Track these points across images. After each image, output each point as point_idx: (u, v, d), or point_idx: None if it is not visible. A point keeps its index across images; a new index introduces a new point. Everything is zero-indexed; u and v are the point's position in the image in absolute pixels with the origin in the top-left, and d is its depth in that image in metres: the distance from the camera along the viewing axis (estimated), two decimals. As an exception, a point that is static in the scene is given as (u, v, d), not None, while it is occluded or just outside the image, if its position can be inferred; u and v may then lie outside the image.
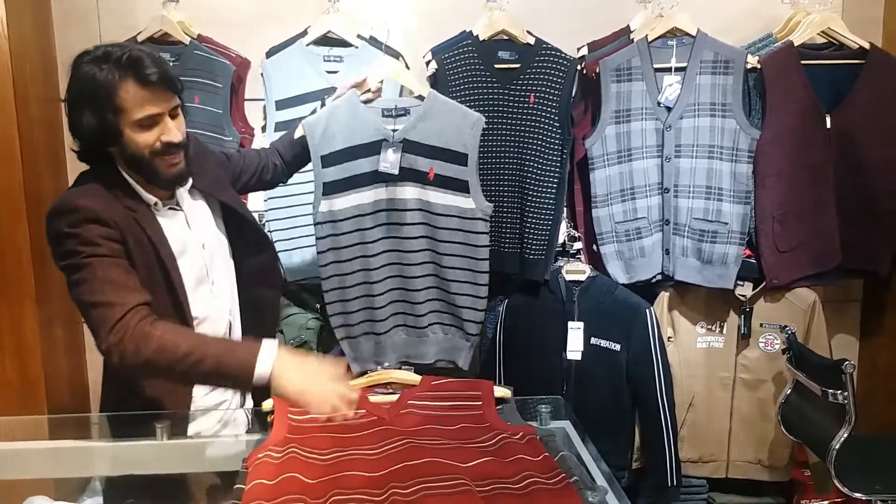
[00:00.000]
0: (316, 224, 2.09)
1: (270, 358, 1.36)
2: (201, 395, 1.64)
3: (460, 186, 2.05)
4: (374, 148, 2.05)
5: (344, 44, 2.33)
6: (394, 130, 2.04)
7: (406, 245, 2.11)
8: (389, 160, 2.00)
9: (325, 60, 2.31)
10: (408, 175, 2.05)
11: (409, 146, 2.04)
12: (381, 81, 2.08)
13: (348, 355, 2.20)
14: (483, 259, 2.13)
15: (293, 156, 2.03)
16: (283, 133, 2.14)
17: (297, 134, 2.05)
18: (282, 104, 2.31)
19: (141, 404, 1.55)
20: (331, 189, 2.07)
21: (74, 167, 2.45)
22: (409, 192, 2.07)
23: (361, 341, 2.21)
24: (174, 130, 1.53)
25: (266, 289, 1.79)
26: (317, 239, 2.10)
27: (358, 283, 2.14)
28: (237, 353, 1.40)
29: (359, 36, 2.34)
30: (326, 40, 2.32)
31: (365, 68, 2.23)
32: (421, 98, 2.07)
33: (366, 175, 2.07)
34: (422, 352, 2.22)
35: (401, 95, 2.19)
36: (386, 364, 1.63)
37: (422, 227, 2.09)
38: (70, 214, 1.47)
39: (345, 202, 2.08)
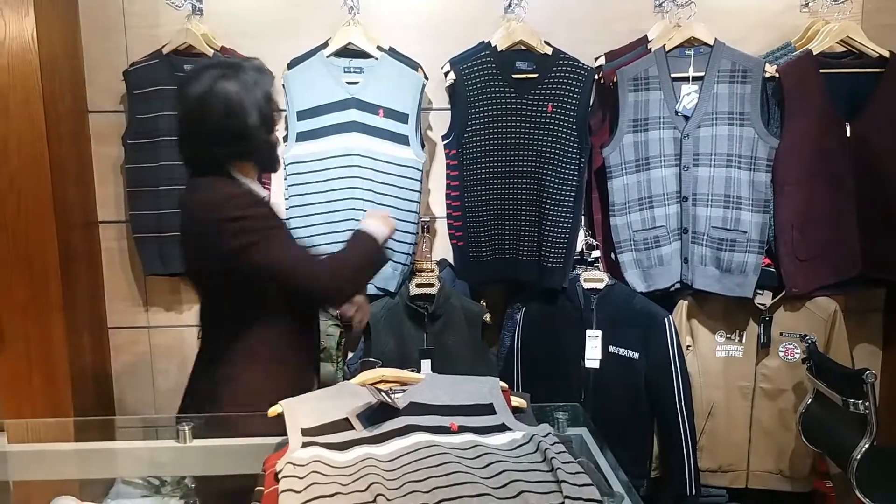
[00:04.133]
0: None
1: (371, 225, 1.81)
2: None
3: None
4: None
5: (364, 55, 2.36)
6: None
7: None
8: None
9: (345, 72, 2.35)
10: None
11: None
12: None
13: None
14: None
15: None
16: (304, 142, 2.29)
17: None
18: (303, 114, 2.35)
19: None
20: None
21: (101, 179, 2.54)
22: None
23: None
24: None
25: None
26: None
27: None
28: (365, 238, 1.79)
29: (378, 48, 2.37)
30: (347, 52, 2.36)
31: (385, 78, 2.31)
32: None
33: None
34: None
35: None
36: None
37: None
38: (236, 199, 1.63)
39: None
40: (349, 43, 2.35)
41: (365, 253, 1.78)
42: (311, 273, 1.67)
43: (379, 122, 2.34)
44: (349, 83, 2.35)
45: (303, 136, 2.35)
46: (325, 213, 2.38)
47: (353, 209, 2.36)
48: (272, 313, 1.73)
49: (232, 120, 1.62)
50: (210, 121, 1.62)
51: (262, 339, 1.73)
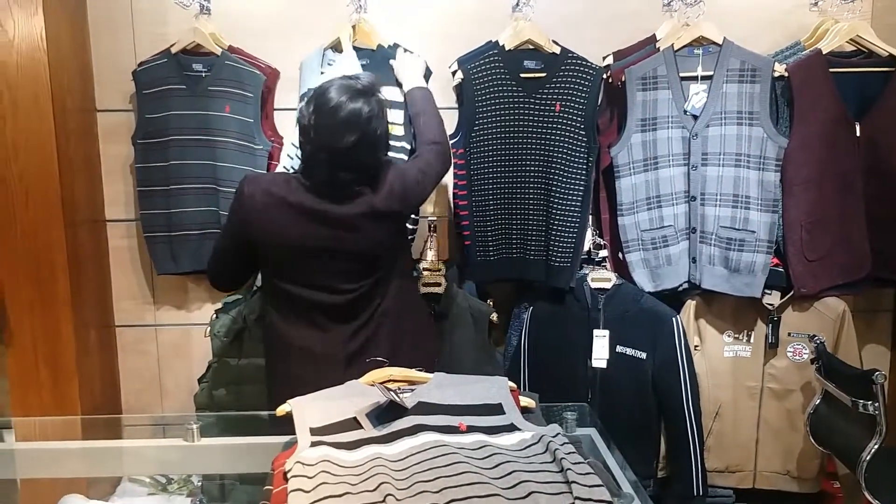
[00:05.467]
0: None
1: (413, 78, 2.22)
2: None
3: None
4: None
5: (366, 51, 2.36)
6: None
7: None
8: None
9: (328, 65, 2.35)
10: None
11: None
12: None
13: None
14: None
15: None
16: None
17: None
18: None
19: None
20: None
21: (109, 177, 2.54)
22: None
23: None
24: None
25: None
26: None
27: None
28: (421, 94, 2.19)
29: (379, 46, 2.36)
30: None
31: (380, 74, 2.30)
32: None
33: None
34: None
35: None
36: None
37: None
38: (412, 169, 2.00)
39: None
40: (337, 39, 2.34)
41: (433, 106, 2.16)
42: (444, 160, 2.07)
43: None
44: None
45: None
46: None
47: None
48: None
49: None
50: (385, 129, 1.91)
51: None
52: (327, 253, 1.87)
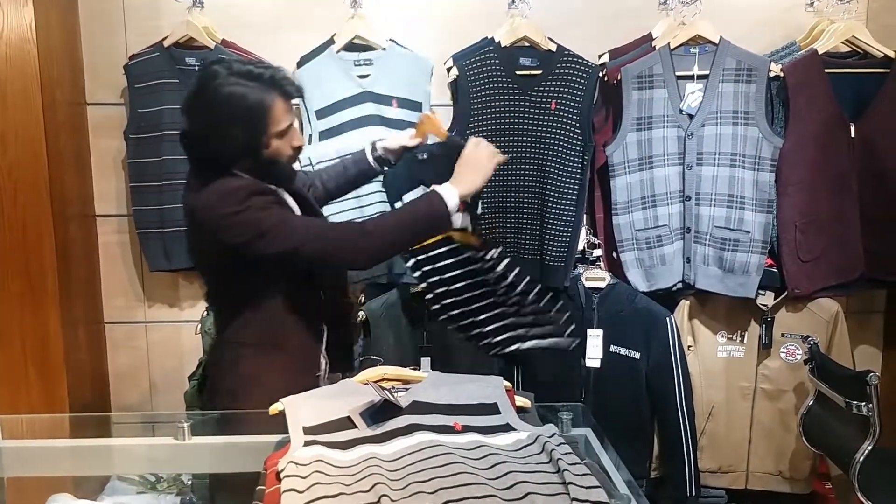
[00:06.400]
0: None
1: (449, 190, 1.66)
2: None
3: None
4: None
5: (370, 47, 2.35)
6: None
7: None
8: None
9: (355, 65, 2.34)
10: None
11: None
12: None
13: None
14: None
15: (336, 186, 2.03)
16: (326, 141, 2.32)
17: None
18: (321, 113, 2.33)
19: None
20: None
21: (99, 172, 2.51)
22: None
23: None
24: (300, 136, 1.72)
25: None
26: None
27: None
28: (432, 205, 1.66)
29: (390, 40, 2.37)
30: (354, 46, 2.34)
31: (394, 68, 2.33)
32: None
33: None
34: None
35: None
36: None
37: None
38: (233, 194, 1.59)
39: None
40: (356, 36, 2.33)
41: (416, 216, 1.68)
42: (346, 240, 1.66)
43: (394, 113, 2.32)
44: (360, 77, 2.34)
45: (324, 135, 2.33)
46: (356, 208, 2.33)
47: (382, 202, 2.31)
48: (279, 299, 1.72)
49: (226, 127, 1.59)
50: (207, 122, 1.61)
51: (270, 326, 1.74)
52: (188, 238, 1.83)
